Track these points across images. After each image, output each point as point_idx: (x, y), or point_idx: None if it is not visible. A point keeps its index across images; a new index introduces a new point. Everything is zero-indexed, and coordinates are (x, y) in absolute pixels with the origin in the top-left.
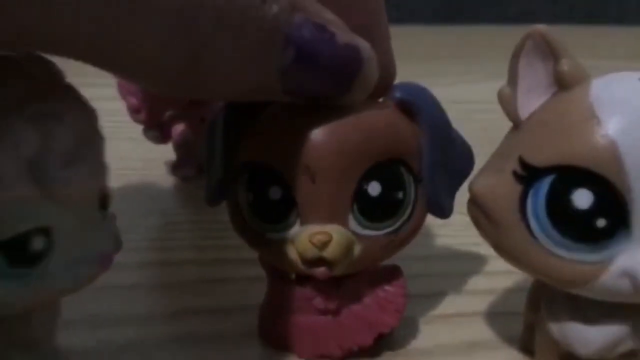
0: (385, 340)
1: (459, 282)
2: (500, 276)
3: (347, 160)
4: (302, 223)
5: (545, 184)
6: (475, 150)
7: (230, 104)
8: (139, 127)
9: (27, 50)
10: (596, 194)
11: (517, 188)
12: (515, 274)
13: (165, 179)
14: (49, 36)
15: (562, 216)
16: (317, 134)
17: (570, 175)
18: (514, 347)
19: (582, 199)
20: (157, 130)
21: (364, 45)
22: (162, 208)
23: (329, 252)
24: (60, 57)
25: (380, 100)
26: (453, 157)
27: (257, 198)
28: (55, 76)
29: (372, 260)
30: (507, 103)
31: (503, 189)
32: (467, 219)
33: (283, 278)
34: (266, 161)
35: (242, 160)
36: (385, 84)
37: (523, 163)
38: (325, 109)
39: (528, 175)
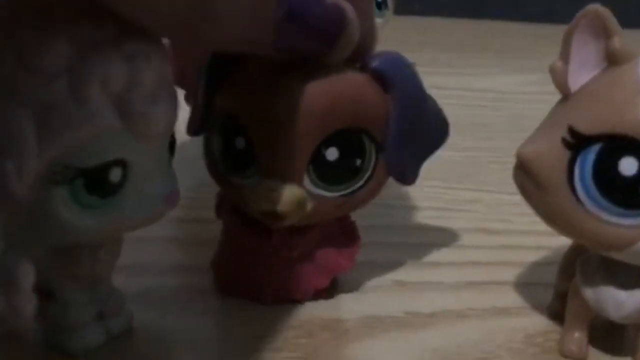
0: (421, 302)
1: (490, 254)
2: (530, 250)
3: (308, 124)
4: (260, 176)
5: (592, 152)
6: (494, 132)
7: (215, 53)
8: (180, 96)
9: None
10: None
11: (566, 154)
12: (544, 249)
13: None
14: None
15: (608, 182)
16: (284, 95)
17: (617, 144)
18: (543, 313)
19: (628, 166)
20: None
21: (348, 6)
22: (198, 170)
23: (281, 208)
24: None
25: (357, 67)
26: (424, 129)
27: (225, 144)
28: None
29: (324, 216)
30: (559, 76)
31: (552, 154)
32: (498, 196)
33: (243, 231)
34: (236, 112)
35: (218, 107)
36: (362, 50)
37: (572, 131)
38: (298, 72)
39: (577, 142)
